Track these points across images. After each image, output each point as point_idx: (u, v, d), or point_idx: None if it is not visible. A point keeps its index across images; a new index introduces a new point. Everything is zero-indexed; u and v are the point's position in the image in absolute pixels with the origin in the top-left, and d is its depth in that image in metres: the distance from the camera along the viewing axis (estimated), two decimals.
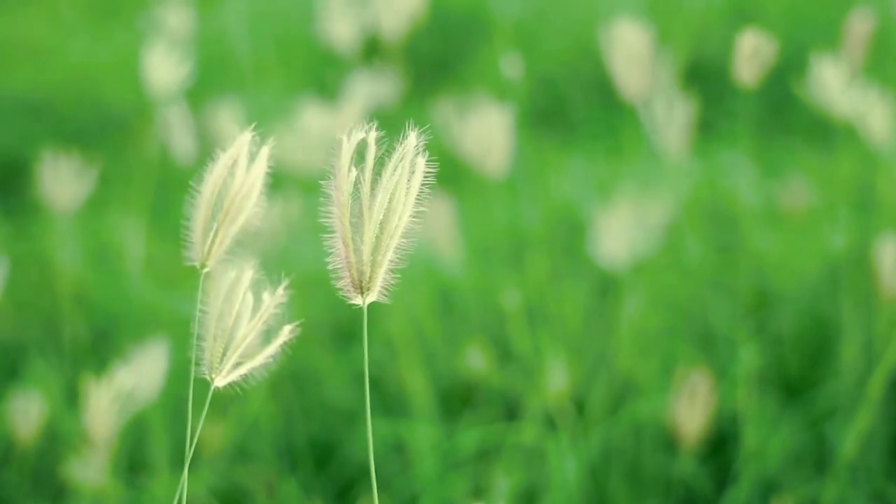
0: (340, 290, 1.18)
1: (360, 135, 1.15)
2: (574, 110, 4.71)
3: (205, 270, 1.22)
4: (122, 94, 5.16)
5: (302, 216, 3.31)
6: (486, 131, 2.74)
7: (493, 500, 2.55)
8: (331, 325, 3.16)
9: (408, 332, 2.88)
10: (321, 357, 3.01)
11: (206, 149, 3.30)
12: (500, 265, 3.29)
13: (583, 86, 4.84)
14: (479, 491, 2.65)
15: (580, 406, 2.82)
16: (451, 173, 3.26)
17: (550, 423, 2.72)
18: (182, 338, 3.08)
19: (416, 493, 2.71)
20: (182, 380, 2.86)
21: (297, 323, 1.21)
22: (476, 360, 2.88)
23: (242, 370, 1.21)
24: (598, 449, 2.70)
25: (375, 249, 1.17)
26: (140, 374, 2.41)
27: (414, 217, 1.18)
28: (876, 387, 2.40)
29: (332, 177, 1.15)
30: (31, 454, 2.75)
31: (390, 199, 1.16)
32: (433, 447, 2.74)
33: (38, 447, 2.76)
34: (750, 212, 3.37)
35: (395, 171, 1.16)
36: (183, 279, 3.44)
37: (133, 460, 2.83)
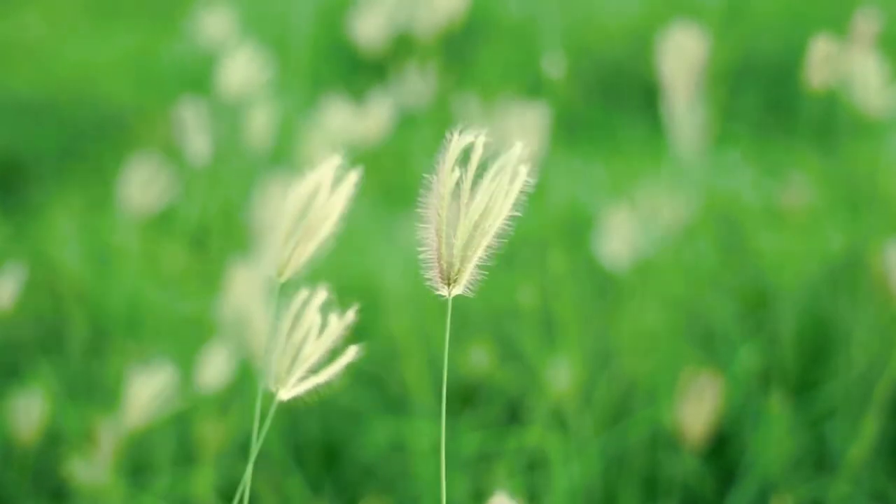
0: (428, 279, 1.23)
1: (469, 137, 1.20)
2: (574, 111, 4.71)
3: (280, 281, 1.29)
4: (122, 94, 5.16)
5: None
6: (518, 131, 2.73)
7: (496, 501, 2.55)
8: None
9: (411, 330, 2.88)
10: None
11: (221, 150, 3.30)
12: (505, 264, 3.29)
13: (583, 87, 4.85)
14: (480, 492, 2.65)
15: (584, 406, 2.82)
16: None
17: (554, 423, 2.72)
18: (185, 338, 3.08)
19: (417, 494, 2.71)
20: (184, 380, 2.86)
21: (362, 344, 1.27)
22: (479, 360, 2.88)
23: (307, 385, 1.28)
24: (603, 450, 2.70)
25: (467, 245, 1.22)
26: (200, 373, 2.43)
27: (507, 221, 1.23)
28: (882, 391, 2.41)
29: (435, 172, 1.21)
30: (31, 453, 2.75)
31: (489, 200, 1.22)
32: (435, 447, 2.74)
33: (39, 447, 2.76)
34: (750, 212, 3.37)
35: (497, 174, 1.22)
36: (185, 279, 3.44)
37: (135, 459, 2.83)
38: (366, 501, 2.68)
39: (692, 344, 2.98)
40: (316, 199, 1.28)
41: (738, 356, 2.86)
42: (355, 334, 1.30)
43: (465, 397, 2.94)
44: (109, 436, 2.40)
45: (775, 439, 2.63)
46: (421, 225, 1.22)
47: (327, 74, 4.89)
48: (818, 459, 2.73)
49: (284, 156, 3.63)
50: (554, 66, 2.90)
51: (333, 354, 1.27)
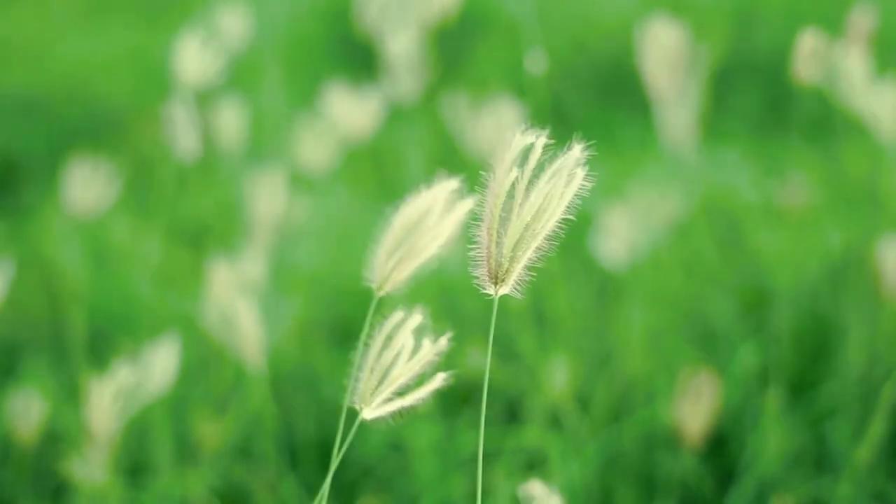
0: (477, 278, 1.24)
1: (530, 137, 1.21)
2: (571, 109, 4.70)
3: (380, 293, 1.30)
4: (116, 93, 5.14)
5: (306, 215, 3.30)
6: (503, 127, 2.73)
7: (495, 501, 2.55)
8: (331, 324, 3.15)
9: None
10: (321, 356, 3.01)
11: (210, 147, 3.29)
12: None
13: (580, 85, 4.84)
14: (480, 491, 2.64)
15: (583, 406, 2.81)
16: (458, 169, 3.25)
17: (552, 423, 2.72)
18: (183, 338, 3.07)
19: (416, 494, 2.70)
20: (183, 379, 2.85)
21: (451, 372, 1.28)
22: (477, 360, 2.87)
23: (391, 407, 1.28)
24: (601, 450, 2.69)
25: (517, 245, 1.22)
26: (146, 372, 2.40)
27: (560, 223, 1.23)
28: (888, 393, 2.40)
29: (492, 170, 1.21)
30: (30, 453, 2.74)
31: (543, 201, 1.22)
32: (433, 447, 2.73)
33: (38, 446, 2.75)
34: (749, 210, 3.36)
35: (553, 176, 1.22)
36: (183, 278, 3.44)
37: (133, 459, 2.82)
38: (364, 501, 2.68)
39: (691, 343, 2.98)
40: (426, 219, 1.29)
41: (736, 355, 2.85)
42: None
43: (463, 397, 2.93)
44: (99, 437, 2.38)
45: (774, 438, 2.62)
46: (474, 222, 1.22)
47: (324, 70, 4.89)
48: (817, 459, 2.73)
49: (278, 151, 3.62)
50: (536, 63, 2.89)
51: (421, 379, 1.27)
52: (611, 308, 3.11)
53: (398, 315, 1.27)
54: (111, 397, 2.31)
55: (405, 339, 1.27)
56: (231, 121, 3.20)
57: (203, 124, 3.09)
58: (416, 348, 1.28)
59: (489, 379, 2.91)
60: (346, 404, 1.27)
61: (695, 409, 2.57)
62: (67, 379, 2.99)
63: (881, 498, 2.56)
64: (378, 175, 3.92)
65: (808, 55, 2.61)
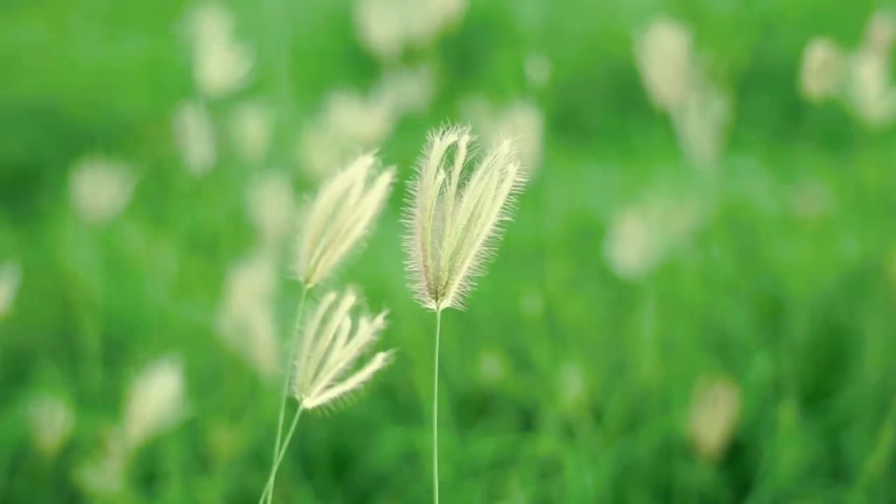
0: (415, 293, 1.16)
1: (452, 137, 1.12)
2: (589, 117, 4.70)
3: (308, 286, 1.21)
4: (132, 100, 5.15)
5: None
6: (515, 134, 2.71)
7: None
8: None
9: (422, 339, 2.87)
10: None
11: (224, 155, 3.29)
12: (515, 272, 3.28)
13: (598, 92, 4.83)
14: (493, 500, 2.64)
15: (597, 415, 2.80)
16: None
17: (567, 432, 2.71)
18: (194, 347, 3.06)
19: (429, 502, 2.70)
20: (197, 388, 2.85)
21: (392, 351, 1.22)
22: (491, 369, 2.86)
23: (332, 393, 1.22)
24: (616, 459, 2.68)
25: (455, 255, 1.15)
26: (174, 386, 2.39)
27: (497, 226, 1.15)
28: None
29: (417, 178, 1.13)
30: (47, 461, 2.74)
31: (476, 204, 1.14)
32: (447, 455, 2.72)
33: (54, 454, 2.75)
34: (766, 218, 3.35)
35: (484, 176, 1.14)
36: (197, 287, 3.43)
37: (146, 468, 2.81)
38: None
39: (706, 352, 2.97)
40: (347, 200, 1.20)
41: (752, 365, 2.84)
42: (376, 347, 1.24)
43: (478, 406, 2.92)
44: (120, 444, 2.38)
45: (790, 448, 2.61)
46: (405, 236, 1.15)
47: (333, 78, 4.89)
48: (833, 468, 2.72)
49: (289, 158, 3.62)
50: (539, 70, 2.89)
51: (360, 362, 1.20)
52: (626, 317, 3.10)
53: (330, 297, 1.20)
54: (153, 405, 2.32)
55: (342, 321, 1.20)
56: (248, 129, 3.20)
57: (217, 133, 3.09)
58: (353, 330, 1.21)
59: (504, 388, 2.90)
60: (283, 395, 1.20)
61: (711, 418, 2.56)
62: (80, 387, 2.99)
63: None
64: (392, 183, 3.91)
65: (819, 68, 2.60)
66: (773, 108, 4.36)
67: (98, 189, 2.92)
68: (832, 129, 3.68)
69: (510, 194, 1.15)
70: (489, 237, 1.16)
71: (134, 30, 6.03)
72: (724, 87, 3.13)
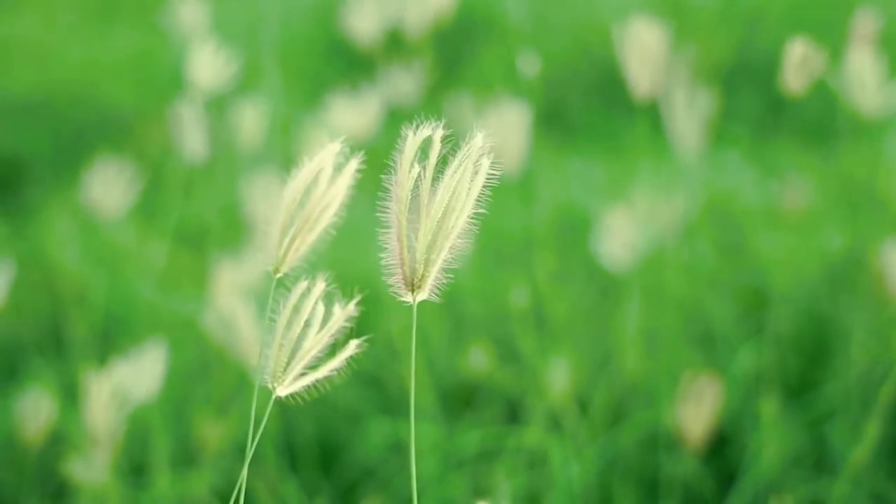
0: (391, 286, 1.17)
1: (426, 131, 1.13)
2: (574, 112, 4.71)
3: (277, 276, 1.20)
4: (122, 95, 5.15)
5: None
6: (503, 129, 2.72)
7: (495, 502, 2.55)
8: None
9: (409, 331, 2.88)
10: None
11: (218, 149, 3.29)
12: (502, 265, 3.29)
13: (583, 87, 4.85)
14: (480, 491, 2.65)
15: (583, 407, 2.82)
16: None
17: (553, 424, 2.72)
18: (183, 338, 3.08)
19: (417, 493, 2.71)
20: (183, 380, 2.86)
21: (365, 337, 1.20)
22: (478, 361, 2.88)
23: (305, 381, 1.20)
24: (602, 451, 2.70)
25: (430, 248, 1.15)
26: (139, 373, 2.40)
27: (472, 218, 1.16)
28: (886, 394, 2.40)
29: (393, 172, 1.14)
30: (33, 453, 2.75)
31: (450, 197, 1.15)
32: (434, 447, 2.74)
33: (40, 447, 2.76)
34: (750, 212, 3.37)
35: (458, 169, 1.15)
36: (185, 280, 3.44)
37: (134, 460, 2.83)
38: (365, 502, 2.68)
39: (691, 345, 2.98)
40: (315, 187, 1.20)
41: (736, 357, 2.85)
42: (353, 334, 1.24)
43: (464, 398, 2.93)
44: (99, 436, 2.39)
45: (774, 440, 2.63)
46: (381, 230, 1.16)
47: (323, 72, 4.90)
48: (817, 460, 2.73)
49: (280, 153, 3.63)
50: (529, 65, 2.89)
51: (333, 350, 1.20)
52: (611, 309, 3.12)
53: (302, 284, 1.19)
54: (109, 395, 2.32)
55: (315, 307, 1.19)
56: (240, 123, 3.21)
57: (209, 127, 3.10)
58: (326, 317, 1.20)
59: (490, 380, 2.91)
60: (257, 384, 1.20)
61: (696, 411, 2.57)
62: (69, 380, 3.00)
63: (880, 498, 2.57)
64: (379, 177, 3.92)
65: (799, 64, 2.61)
66: (757, 103, 4.38)
67: (109, 187, 2.94)
68: (815, 123, 3.70)
69: (485, 187, 1.16)
70: (464, 230, 1.17)
71: (124, 24, 6.03)
72: (708, 81, 3.15)
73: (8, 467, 2.82)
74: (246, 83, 4.15)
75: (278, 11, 5.19)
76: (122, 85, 5.25)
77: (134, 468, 2.82)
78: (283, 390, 1.20)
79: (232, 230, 3.46)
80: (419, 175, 1.14)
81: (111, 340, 3.18)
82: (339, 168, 1.21)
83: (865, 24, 2.77)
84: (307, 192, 1.20)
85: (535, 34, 5.10)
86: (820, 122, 3.59)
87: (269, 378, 1.20)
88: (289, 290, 1.20)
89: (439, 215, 1.15)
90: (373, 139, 2.93)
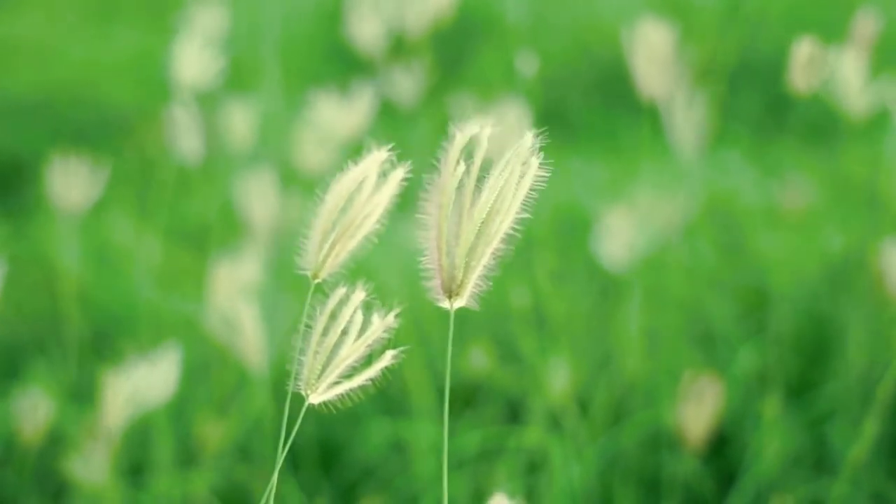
0: (429, 291, 1.12)
1: (474, 129, 1.08)
2: (574, 112, 4.71)
3: (315, 281, 1.17)
4: (122, 95, 5.15)
5: (305, 216, 3.30)
6: (505, 129, 2.72)
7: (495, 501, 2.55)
8: None
9: (410, 331, 2.88)
10: None
11: (214, 149, 3.29)
12: (504, 265, 3.29)
13: (583, 87, 4.84)
14: (480, 492, 2.65)
15: (584, 407, 2.82)
16: None
17: (553, 424, 2.72)
18: (184, 339, 3.07)
19: (417, 493, 2.71)
20: (184, 380, 2.86)
21: (402, 349, 1.16)
22: (478, 360, 2.88)
23: (339, 389, 1.18)
24: (602, 451, 2.70)
25: (471, 253, 1.11)
26: (154, 376, 2.40)
27: (516, 223, 1.11)
28: (884, 392, 2.41)
29: (436, 172, 1.09)
30: (32, 453, 2.75)
31: (495, 200, 1.09)
32: (434, 447, 2.74)
33: (40, 446, 2.76)
34: (750, 212, 3.37)
35: (505, 169, 1.09)
36: (185, 280, 3.44)
37: (134, 460, 2.82)
38: (365, 501, 2.68)
39: (692, 345, 2.98)
40: (359, 195, 1.15)
41: (737, 357, 2.85)
42: (389, 344, 1.20)
43: (465, 398, 2.93)
44: (106, 436, 2.39)
45: (774, 440, 2.63)
46: (420, 232, 1.11)
47: (323, 73, 4.89)
48: (817, 460, 2.73)
49: (278, 152, 3.63)
50: (527, 65, 2.89)
51: (369, 359, 1.17)
52: (612, 309, 3.12)
53: (340, 291, 1.15)
54: (126, 395, 2.32)
55: (354, 315, 1.15)
56: (237, 122, 3.21)
57: (205, 126, 3.09)
58: (365, 326, 1.15)
59: (491, 380, 2.91)
60: (290, 390, 1.17)
61: (696, 411, 2.57)
62: (68, 379, 3.00)
63: (880, 498, 2.57)
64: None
65: (805, 63, 2.61)
66: (758, 103, 4.38)
67: (71, 181, 2.93)
68: (816, 124, 3.70)
69: (531, 189, 1.11)
70: (506, 235, 1.12)
71: (124, 24, 6.03)
72: (709, 82, 3.15)
73: (7, 467, 2.82)
74: (246, 83, 4.15)
75: (279, 13, 5.20)
76: (123, 85, 5.25)
77: (134, 468, 2.82)
78: (316, 398, 1.18)
79: (231, 229, 3.46)
80: (462, 176, 1.08)
81: (110, 340, 3.17)
82: (383, 175, 1.15)
83: (865, 25, 2.77)
84: (350, 198, 1.15)
85: (534, 34, 5.10)
86: (820, 122, 3.59)
87: (303, 385, 1.17)
88: (326, 295, 1.16)
89: (482, 219, 1.10)
90: (363, 138, 2.93)
